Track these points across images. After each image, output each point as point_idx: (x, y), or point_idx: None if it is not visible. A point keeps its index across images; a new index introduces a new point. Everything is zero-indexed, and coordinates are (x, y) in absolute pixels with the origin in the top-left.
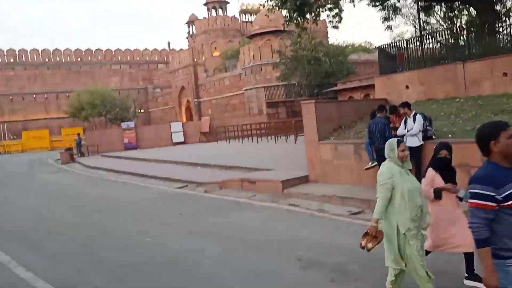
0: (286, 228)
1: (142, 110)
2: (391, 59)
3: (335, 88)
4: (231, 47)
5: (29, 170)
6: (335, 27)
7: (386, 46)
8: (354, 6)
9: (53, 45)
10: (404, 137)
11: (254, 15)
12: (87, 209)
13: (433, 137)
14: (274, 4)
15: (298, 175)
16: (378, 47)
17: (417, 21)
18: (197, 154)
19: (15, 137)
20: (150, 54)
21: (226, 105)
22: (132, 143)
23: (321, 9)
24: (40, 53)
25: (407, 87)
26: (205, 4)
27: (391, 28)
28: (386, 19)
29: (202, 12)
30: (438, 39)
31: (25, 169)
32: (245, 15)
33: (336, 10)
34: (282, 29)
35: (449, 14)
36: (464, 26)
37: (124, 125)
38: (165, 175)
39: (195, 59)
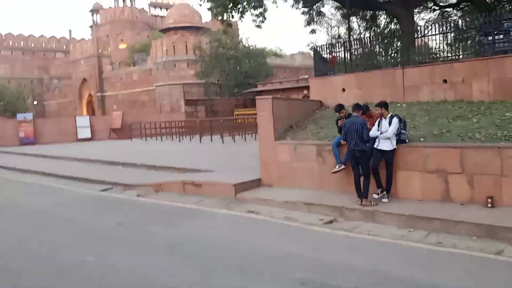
0: (261, 241)
1: (35, 102)
2: (322, 62)
3: (255, 89)
4: (139, 40)
5: None
6: (258, 26)
7: (319, 48)
8: (277, 7)
9: None
10: (377, 139)
11: (165, 9)
12: None
13: (407, 141)
14: None
15: (249, 179)
16: (314, 48)
17: (336, 28)
18: (113, 151)
19: None
20: (48, 42)
21: (134, 101)
22: (29, 138)
23: (247, 6)
24: None
25: (343, 90)
26: None
27: (314, 32)
28: (309, 22)
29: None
30: (366, 44)
31: None
32: (154, 8)
33: (261, 10)
34: (197, 25)
35: (373, 22)
36: (388, 34)
37: (20, 116)
38: (82, 175)
39: (100, 50)
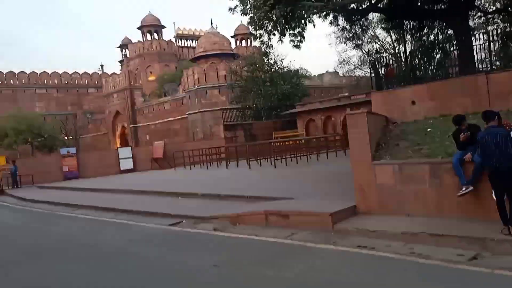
0: (404, 285)
1: (70, 137)
2: (378, 75)
3: (294, 111)
4: (167, 71)
5: None
6: (297, 46)
7: (375, 62)
8: (314, 26)
9: None
10: None
11: (191, 40)
12: (67, 258)
13: None
14: (259, 17)
15: (343, 206)
16: (371, 61)
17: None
18: (162, 182)
19: None
20: (80, 78)
21: (166, 131)
22: (73, 172)
23: (286, 26)
24: None
25: (413, 102)
26: (140, 28)
27: (359, 47)
28: (352, 38)
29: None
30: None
31: None
32: (181, 40)
33: (299, 29)
34: (228, 51)
35: (421, 32)
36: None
37: (63, 151)
38: (143, 208)
39: (132, 83)
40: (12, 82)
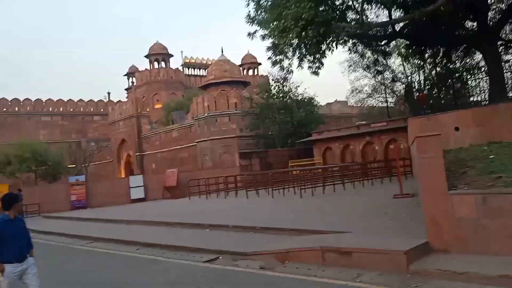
0: None
1: (74, 165)
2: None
3: (310, 139)
4: (174, 99)
5: None
6: (315, 73)
7: (408, 87)
8: (331, 53)
9: None
10: None
11: (198, 69)
12: None
13: None
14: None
15: (414, 243)
16: (405, 87)
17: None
18: (181, 212)
19: None
20: (86, 105)
21: (173, 159)
22: (81, 201)
23: (305, 53)
24: None
25: (456, 128)
26: (147, 56)
27: (381, 73)
28: (375, 63)
29: (141, 64)
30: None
31: None
32: (187, 68)
33: (318, 55)
34: (238, 79)
35: (447, 58)
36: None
37: (72, 179)
38: (169, 241)
39: (139, 110)
40: (16, 109)
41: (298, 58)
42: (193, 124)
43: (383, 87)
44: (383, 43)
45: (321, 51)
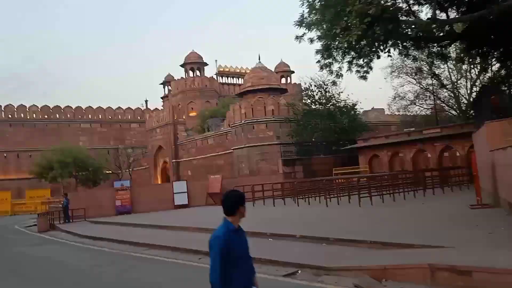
0: None
1: (110, 172)
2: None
3: (357, 146)
4: (208, 107)
5: (0, 241)
6: (363, 77)
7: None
8: (378, 57)
9: (20, 100)
10: None
11: (231, 77)
12: None
13: None
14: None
15: None
16: (481, 87)
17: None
18: None
19: None
20: (123, 113)
21: (209, 166)
22: (125, 206)
23: (354, 57)
24: (3, 109)
25: None
26: (182, 65)
27: (438, 76)
28: (430, 67)
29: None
30: None
31: None
32: (221, 77)
33: (367, 59)
34: (276, 86)
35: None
36: None
37: (117, 184)
38: None
39: (175, 118)
40: (57, 117)
41: (348, 62)
42: (230, 131)
43: (428, 94)
44: (442, 44)
45: (377, 53)
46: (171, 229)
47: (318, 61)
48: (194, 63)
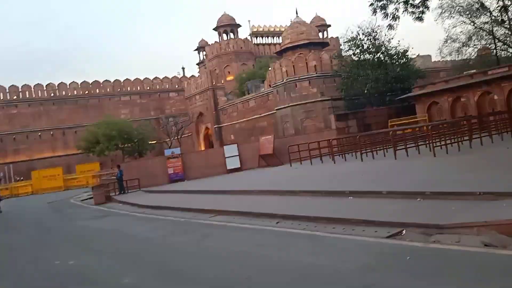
0: None
1: (155, 141)
2: None
3: (413, 94)
4: (245, 70)
5: (61, 217)
6: (419, 18)
7: None
8: None
9: (59, 78)
10: None
11: (266, 37)
12: None
13: None
14: None
15: None
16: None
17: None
18: (300, 179)
19: (22, 178)
20: (161, 82)
21: (252, 129)
22: (178, 174)
23: None
24: (45, 88)
25: None
26: (215, 29)
27: (504, 22)
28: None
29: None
30: None
31: (54, 216)
32: (256, 37)
33: None
34: (316, 40)
35: None
36: None
37: (167, 152)
38: (315, 212)
39: (214, 83)
40: (97, 91)
41: (403, 1)
42: (271, 91)
43: (484, 33)
44: None
45: None
46: (233, 193)
47: (371, 4)
48: (227, 25)
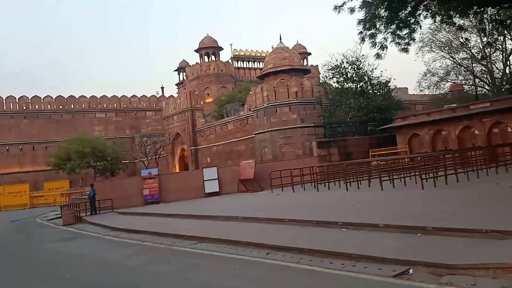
0: None
1: (128, 161)
2: None
3: (395, 124)
4: (224, 93)
5: (27, 237)
6: (405, 49)
7: None
8: (421, 27)
9: (34, 92)
10: None
11: (247, 62)
12: None
13: None
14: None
15: None
16: None
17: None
18: (283, 207)
19: None
20: (138, 101)
21: (229, 152)
22: (154, 196)
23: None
24: (17, 101)
25: None
26: (197, 50)
27: (492, 45)
28: (489, 34)
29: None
30: None
31: (19, 236)
32: (237, 61)
33: (407, 30)
34: (298, 67)
35: None
36: None
37: (144, 172)
38: (309, 245)
39: (193, 104)
40: (72, 107)
41: (391, 32)
42: (251, 115)
43: (461, 68)
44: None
45: (417, 21)
46: (215, 219)
47: (360, 32)
48: (209, 47)
